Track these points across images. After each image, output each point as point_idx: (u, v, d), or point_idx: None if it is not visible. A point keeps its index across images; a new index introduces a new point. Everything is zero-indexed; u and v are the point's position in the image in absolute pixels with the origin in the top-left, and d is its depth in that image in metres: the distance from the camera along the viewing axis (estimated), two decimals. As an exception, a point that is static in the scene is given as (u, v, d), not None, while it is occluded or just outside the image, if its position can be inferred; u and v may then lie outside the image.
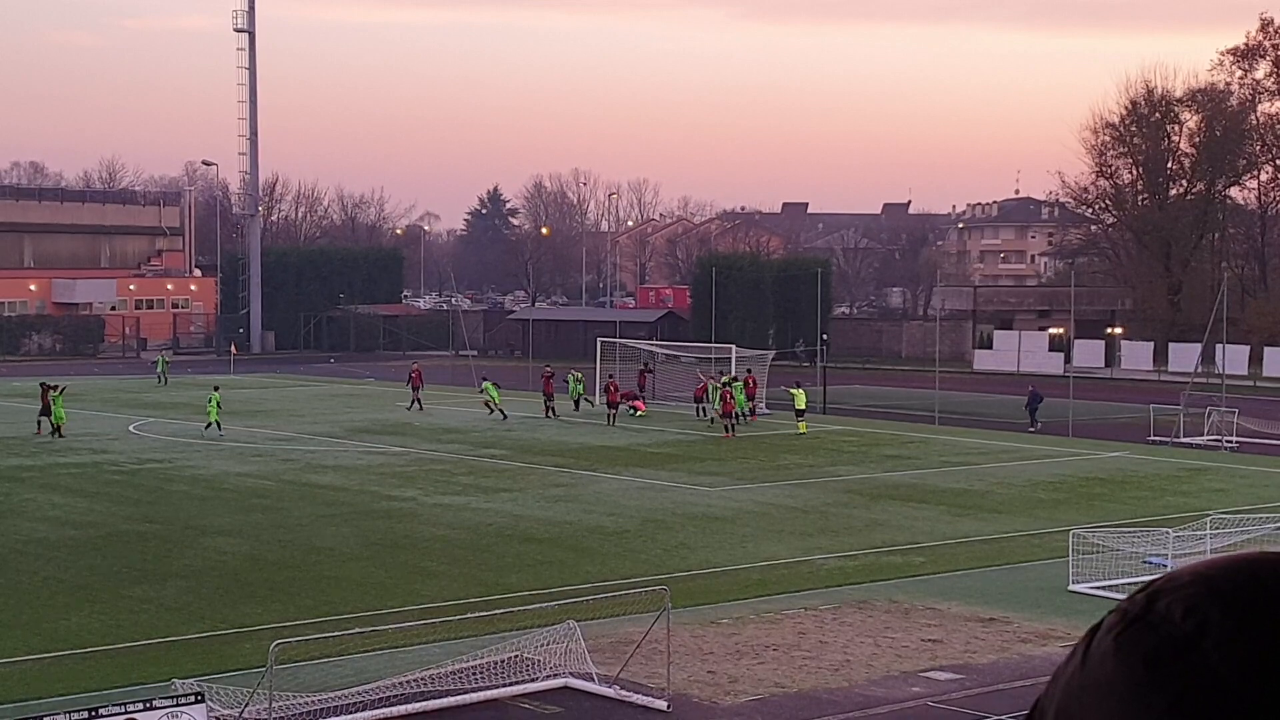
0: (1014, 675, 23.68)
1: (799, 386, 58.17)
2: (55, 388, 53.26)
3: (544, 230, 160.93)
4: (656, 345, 71.75)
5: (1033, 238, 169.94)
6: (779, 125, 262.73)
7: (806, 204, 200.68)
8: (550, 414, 59.84)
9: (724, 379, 58.83)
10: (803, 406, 56.98)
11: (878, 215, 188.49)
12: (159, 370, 76.73)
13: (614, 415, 58.01)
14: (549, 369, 62.12)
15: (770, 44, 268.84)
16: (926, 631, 26.33)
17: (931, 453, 51.60)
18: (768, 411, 62.62)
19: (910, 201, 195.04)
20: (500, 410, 59.16)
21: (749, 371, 62.73)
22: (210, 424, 53.63)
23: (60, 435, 51.70)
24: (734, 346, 65.57)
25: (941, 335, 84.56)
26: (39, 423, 53.10)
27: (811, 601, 28.57)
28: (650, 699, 21.88)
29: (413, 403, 62.55)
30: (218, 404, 54.17)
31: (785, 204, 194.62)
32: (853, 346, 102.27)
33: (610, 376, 61.02)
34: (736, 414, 56.32)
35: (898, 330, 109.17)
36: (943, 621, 27.08)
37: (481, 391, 60.99)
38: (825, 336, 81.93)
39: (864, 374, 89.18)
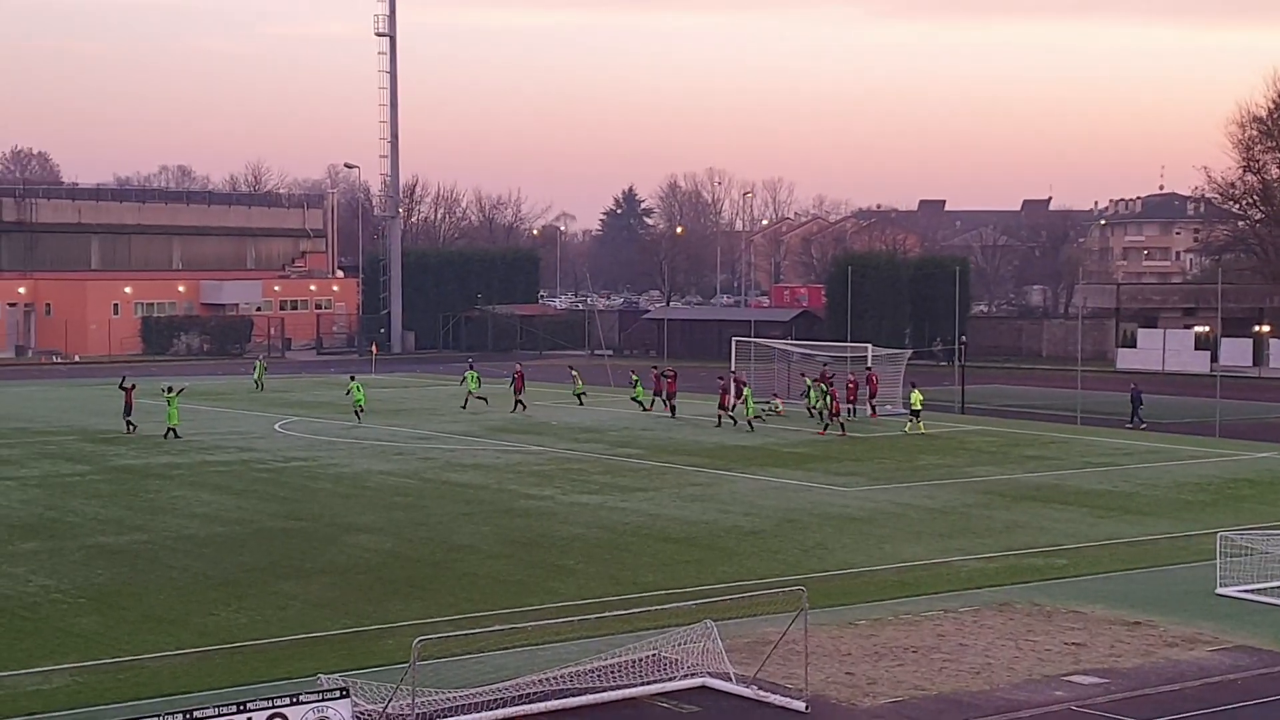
0: (1159, 680, 23.27)
1: (915, 387, 57.76)
2: (171, 389, 54.25)
3: (679, 230, 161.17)
4: (791, 344, 71.48)
5: (1178, 234, 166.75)
6: (916, 122, 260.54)
7: (944, 201, 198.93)
8: (672, 413, 60.63)
9: (812, 378, 59.55)
10: (919, 407, 56.55)
11: (1017, 212, 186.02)
12: (255, 377, 74.28)
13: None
14: (671, 370, 62.35)
15: (907, 40, 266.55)
16: (1069, 635, 25.96)
17: (1073, 453, 50.85)
18: (905, 411, 62.05)
19: (1051, 198, 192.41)
20: (484, 398, 62.92)
21: (869, 369, 62.23)
22: (359, 411, 58.63)
23: (176, 435, 52.34)
24: (870, 346, 65.09)
25: (1084, 334, 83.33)
26: (128, 424, 54.20)
27: (951, 603, 28.31)
28: (788, 699, 21.84)
29: (515, 404, 62.80)
30: (360, 389, 59.87)
31: (922, 201, 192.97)
32: (992, 346, 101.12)
33: (832, 384, 60.27)
34: (819, 413, 57.26)
35: (1038, 329, 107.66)
36: (1086, 625, 26.68)
37: (462, 383, 64.21)
38: (963, 336, 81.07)
39: (1003, 373, 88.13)
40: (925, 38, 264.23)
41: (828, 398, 57.19)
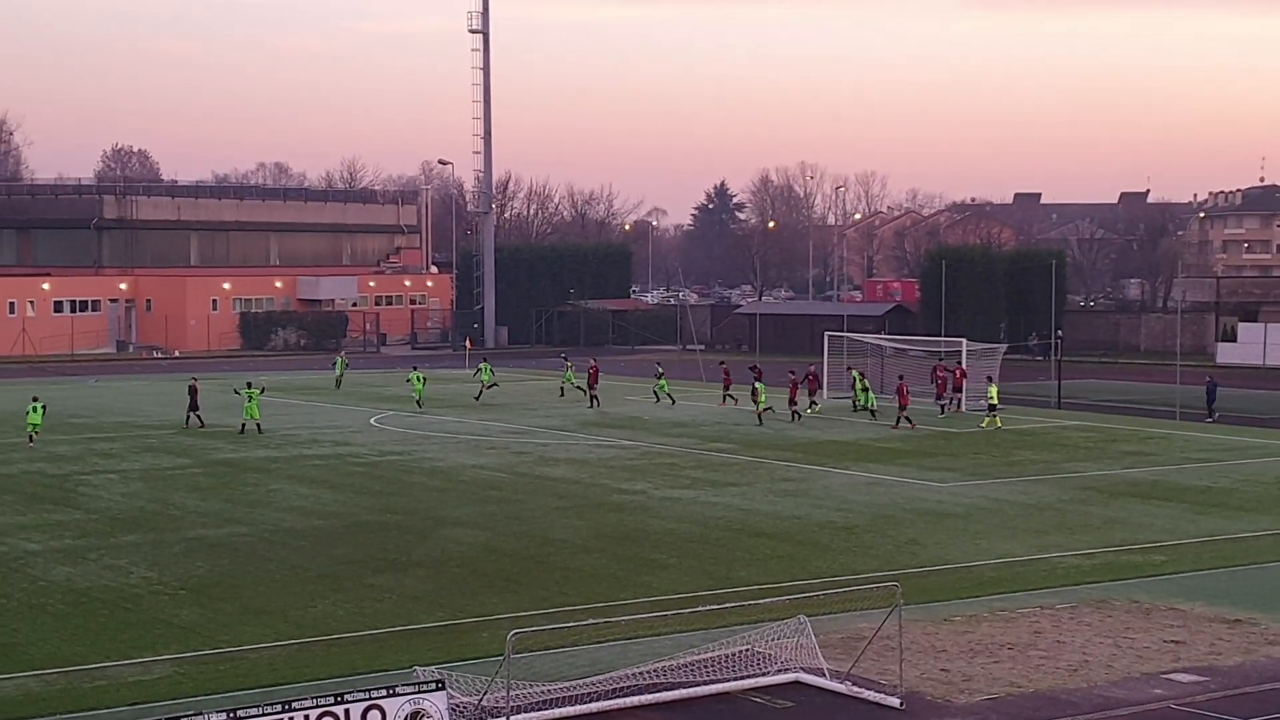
0: (1261, 678, 22.91)
1: (992, 381, 57.21)
2: (251, 385, 54.46)
3: (770, 224, 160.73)
4: (884, 339, 71.07)
5: (1278, 226, 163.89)
6: (1010, 114, 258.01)
7: (1039, 194, 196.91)
8: (728, 401, 61.69)
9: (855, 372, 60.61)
10: (995, 401, 56.03)
11: (1114, 205, 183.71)
12: (337, 374, 72.66)
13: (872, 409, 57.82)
14: (756, 366, 62.01)
15: (1001, 31, 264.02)
16: (1168, 632, 25.63)
17: (1172, 449, 50.17)
18: (1001, 407, 61.50)
19: (1149, 190, 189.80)
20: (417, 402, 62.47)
21: (956, 363, 61.65)
22: (419, 399, 61.75)
23: (259, 430, 52.73)
24: (964, 340, 64.57)
25: (1183, 328, 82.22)
26: (197, 418, 54.76)
27: (1048, 600, 28.04)
28: (883, 695, 21.74)
29: (591, 400, 62.79)
30: (421, 380, 62.95)
31: (1017, 195, 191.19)
32: (1088, 340, 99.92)
33: (901, 378, 60.08)
34: (866, 408, 58.25)
35: (1136, 323, 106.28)
36: (1185, 622, 26.33)
37: (407, 382, 64.42)
38: (1059, 330, 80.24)
39: (1100, 368, 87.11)
40: (1021, 28, 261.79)
41: (867, 393, 58.46)
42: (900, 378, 59.41)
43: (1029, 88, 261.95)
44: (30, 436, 50.64)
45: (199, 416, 54.98)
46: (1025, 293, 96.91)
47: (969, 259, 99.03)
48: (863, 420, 57.06)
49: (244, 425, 52.89)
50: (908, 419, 55.13)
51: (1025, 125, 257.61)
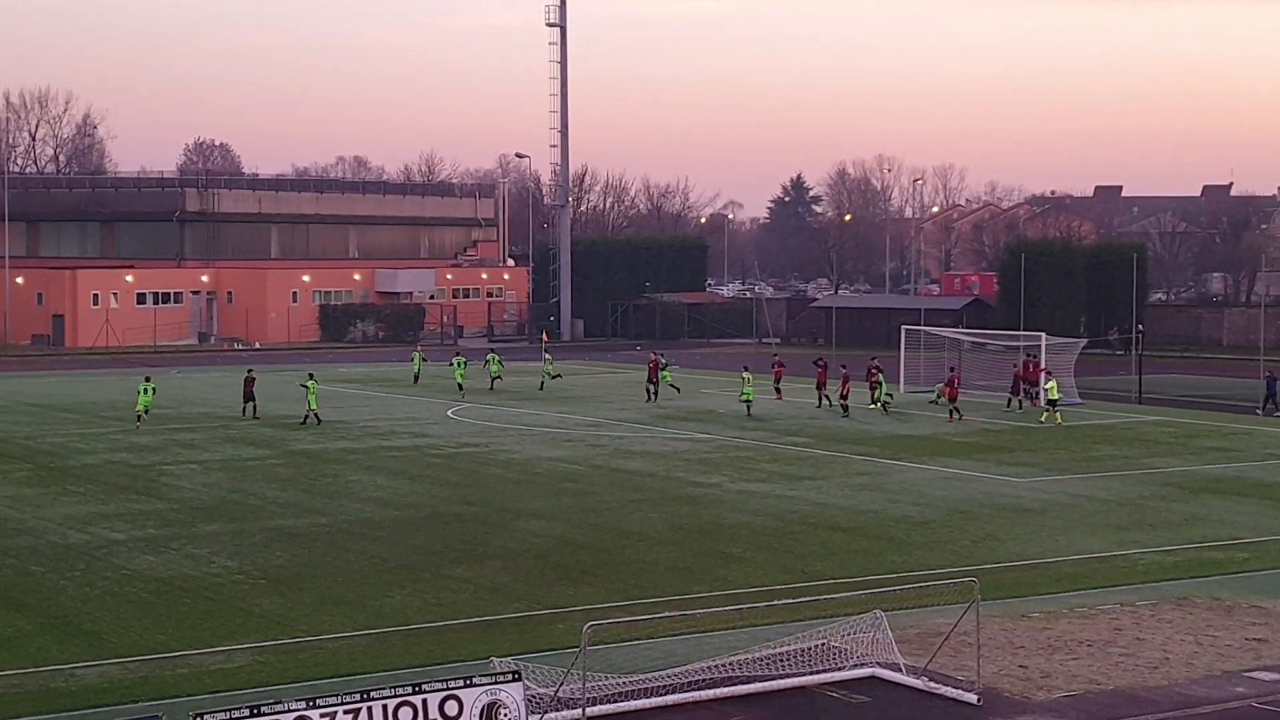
0: (1346, 679, 22.57)
1: (1052, 376, 56.72)
2: (312, 376, 55.64)
3: (847, 217, 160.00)
4: (962, 333, 70.57)
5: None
6: (1091, 106, 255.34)
7: (1120, 187, 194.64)
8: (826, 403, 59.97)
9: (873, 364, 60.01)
10: (1055, 397, 55.55)
11: (1196, 198, 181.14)
12: (415, 370, 71.20)
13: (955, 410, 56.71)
14: (823, 360, 61.58)
15: (1083, 20, 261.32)
16: (1250, 630, 25.32)
17: (1255, 445, 49.51)
18: (1080, 401, 61.08)
19: (1232, 183, 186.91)
20: (416, 377, 66.23)
21: (1033, 357, 61.13)
22: (460, 385, 63.92)
23: (318, 420, 53.35)
24: (1044, 335, 63.99)
25: (1267, 322, 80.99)
26: (252, 409, 55.49)
27: (1128, 597, 27.78)
28: (960, 691, 21.62)
29: (650, 394, 62.21)
30: (463, 364, 65.12)
31: (1098, 187, 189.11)
32: (1170, 334, 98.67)
33: (952, 370, 59.93)
34: (881, 403, 58.33)
35: (1218, 317, 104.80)
36: (1268, 620, 26.00)
37: (485, 365, 67.36)
38: (1140, 324, 79.35)
39: (1182, 363, 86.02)
40: (1102, 18, 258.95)
41: (881, 387, 58.51)
42: (951, 369, 59.34)
43: (1110, 79, 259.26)
44: (139, 417, 52.70)
45: (254, 407, 55.68)
46: (1105, 287, 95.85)
47: (1048, 252, 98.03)
48: (941, 415, 56.72)
49: (306, 416, 53.64)
50: (956, 410, 55.23)
51: (1106, 117, 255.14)
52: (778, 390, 62.81)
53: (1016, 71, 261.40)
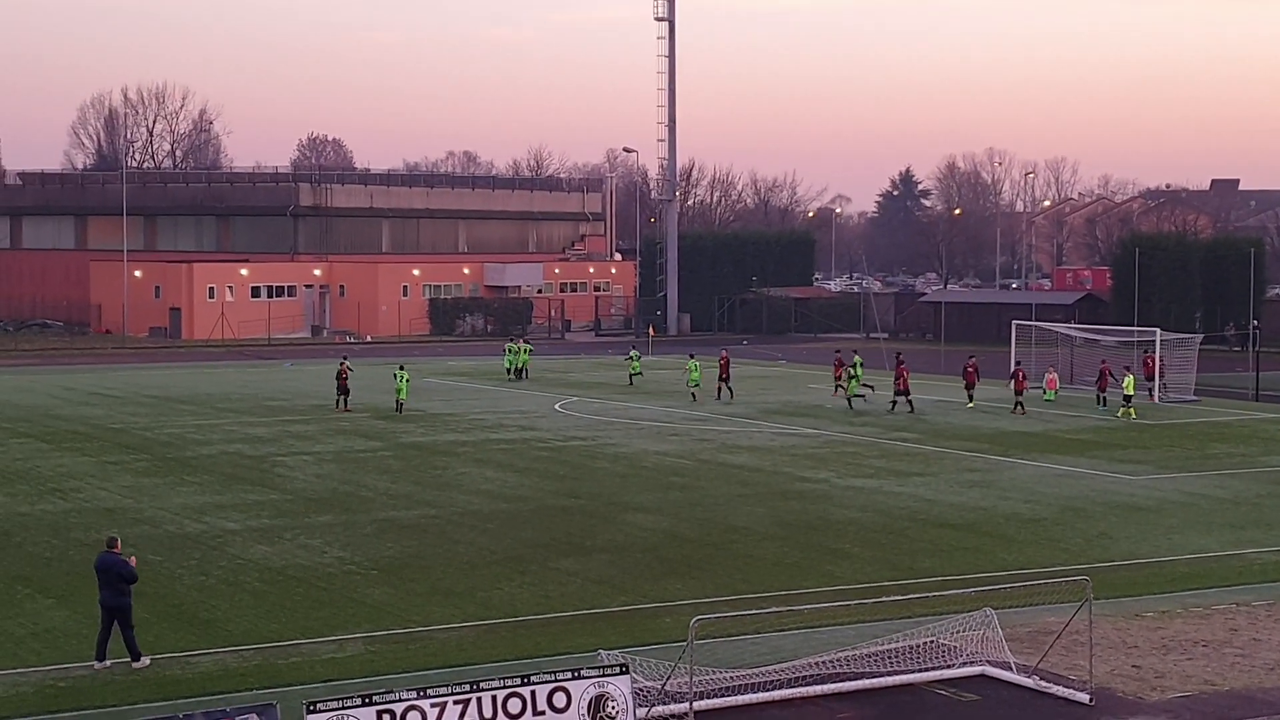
0: None
1: (1129, 371, 55.73)
2: (403, 367, 58.04)
3: (956, 211, 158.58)
4: (1074, 328, 69.66)
5: None
6: (1207, 98, 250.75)
7: (1237, 180, 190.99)
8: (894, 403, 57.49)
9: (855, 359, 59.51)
10: (1131, 392, 54.58)
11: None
12: (519, 363, 70.50)
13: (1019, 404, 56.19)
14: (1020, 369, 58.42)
15: (1198, 11, 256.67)
16: (1372, 634, 24.75)
17: (1377, 444, 48.40)
18: (1196, 398, 60.11)
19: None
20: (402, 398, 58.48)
21: (1152, 351, 60.13)
22: (510, 370, 69.17)
23: (398, 410, 55.34)
24: (1158, 330, 63.03)
25: (1389, 318, 79.09)
26: (339, 400, 56.34)
27: (1244, 597, 27.29)
28: (1072, 691, 21.37)
29: (718, 390, 61.03)
30: (523, 352, 68.90)
31: (1214, 181, 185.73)
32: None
33: (1018, 363, 59.30)
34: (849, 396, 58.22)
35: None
36: (1390, 624, 25.40)
37: (627, 359, 68.89)
38: (1256, 320, 77.89)
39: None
40: (1218, 8, 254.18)
41: (854, 381, 58.37)
42: (1017, 363, 58.62)
43: (1227, 70, 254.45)
44: (398, 405, 55.56)
45: (346, 399, 56.35)
46: (1222, 282, 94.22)
47: (1163, 247, 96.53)
48: (1051, 411, 56.08)
49: (399, 404, 55.85)
50: (1020, 404, 55.24)
51: (1223, 109, 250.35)
52: (836, 389, 59.84)
53: (1130, 63, 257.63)
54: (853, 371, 58.87)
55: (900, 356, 59.50)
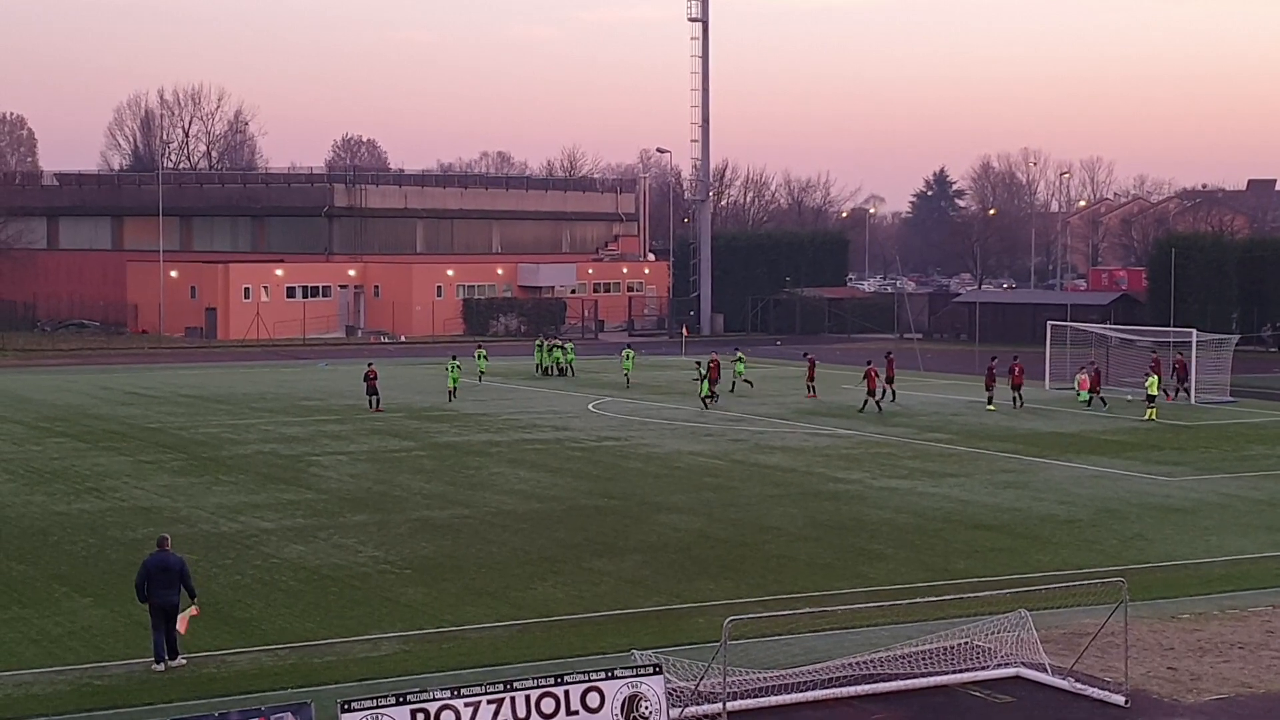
0: None
1: (1152, 372, 55.41)
2: (455, 358, 61.28)
3: (991, 211, 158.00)
4: (1110, 329, 69.34)
5: None
6: (1244, 97, 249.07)
7: (1274, 180, 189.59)
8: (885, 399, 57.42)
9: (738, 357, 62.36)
10: (1154, 392, 54.27)
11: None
12: (538, 360, 71.67)
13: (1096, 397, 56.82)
14: (877, 360, 59.32)
15: (1234, 10, 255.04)
16: None
17: None
18: (1233, 399, 59.75)
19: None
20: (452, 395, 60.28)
21: (1156, 353, 59.79)
22: (540, 367, 70.70)
23: (450, 399, 58.85)
24: (1194, 331, 62.66)
25: None
26: (370, 401, 56.46)
27: (1281, 600, 27.13)
28: (1107, 693, 21.28)
29: (711, 395, 59.94)
30: (569, 351, 71.59)
31: (1251, 181, 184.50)
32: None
33: (1093, 363, 59.05)
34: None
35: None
36: None
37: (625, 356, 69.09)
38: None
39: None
40: (1254, 7, 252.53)
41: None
42: (1015, 358, 58.73)
43: (1263, 70, 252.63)
44: (450, 394, 59.23)
45: (377, 400, 56.47)
46: (1259, 282, 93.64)
47: (1200, 247, 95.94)
48: (1086, 413, 55.80)
49: (451, 393, 59.15)
50: (1019, 398, 56.71)
51: (1260, 109, 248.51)
52: (995, 396, 57.77)
53: (1166, 63, 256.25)
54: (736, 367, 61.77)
55: (890, 355, 60.42)
